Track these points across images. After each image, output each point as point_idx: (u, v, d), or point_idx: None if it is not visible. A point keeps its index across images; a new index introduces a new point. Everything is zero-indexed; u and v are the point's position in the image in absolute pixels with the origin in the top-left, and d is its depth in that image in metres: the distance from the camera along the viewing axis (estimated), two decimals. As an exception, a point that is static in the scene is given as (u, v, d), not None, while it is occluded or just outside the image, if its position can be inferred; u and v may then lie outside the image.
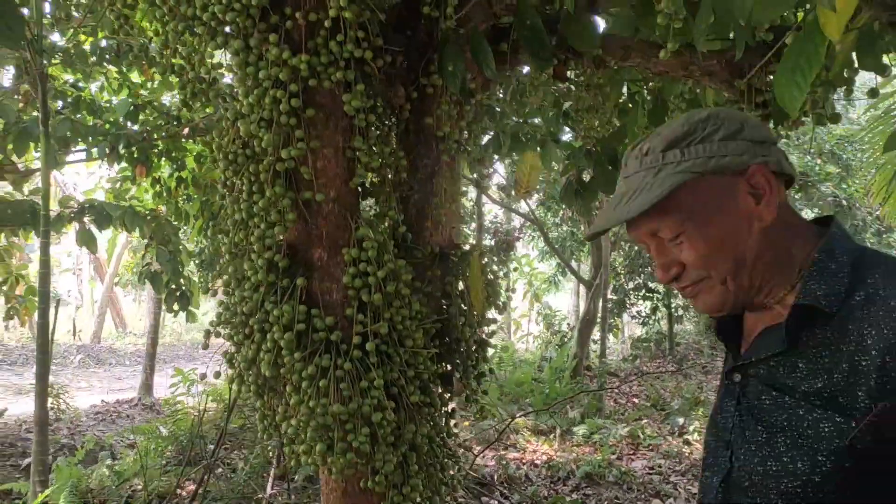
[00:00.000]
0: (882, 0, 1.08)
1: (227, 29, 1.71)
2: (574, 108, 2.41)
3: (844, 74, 1.90)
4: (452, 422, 2.21)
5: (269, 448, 5.00)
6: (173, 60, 1.82)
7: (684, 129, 1.08)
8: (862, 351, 0.94)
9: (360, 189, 1.91)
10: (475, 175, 2.44)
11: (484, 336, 2.16)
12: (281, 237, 1.77)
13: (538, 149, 3.93)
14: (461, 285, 2.04)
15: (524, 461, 6.39)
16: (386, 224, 1.94)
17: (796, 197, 11.90)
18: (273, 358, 1.77)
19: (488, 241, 11.91)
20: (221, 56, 1.78)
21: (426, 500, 1.95)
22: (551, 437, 7.27)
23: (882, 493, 0.94)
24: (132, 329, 18.98)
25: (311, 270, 1.85)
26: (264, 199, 1.74)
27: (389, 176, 1.93)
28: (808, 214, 13.00)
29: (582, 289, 12.44)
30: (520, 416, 7.12)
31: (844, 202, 10.94)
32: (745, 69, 2.13)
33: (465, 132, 2.03)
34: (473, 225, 11.13)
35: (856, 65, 1.90)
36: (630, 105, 2.92)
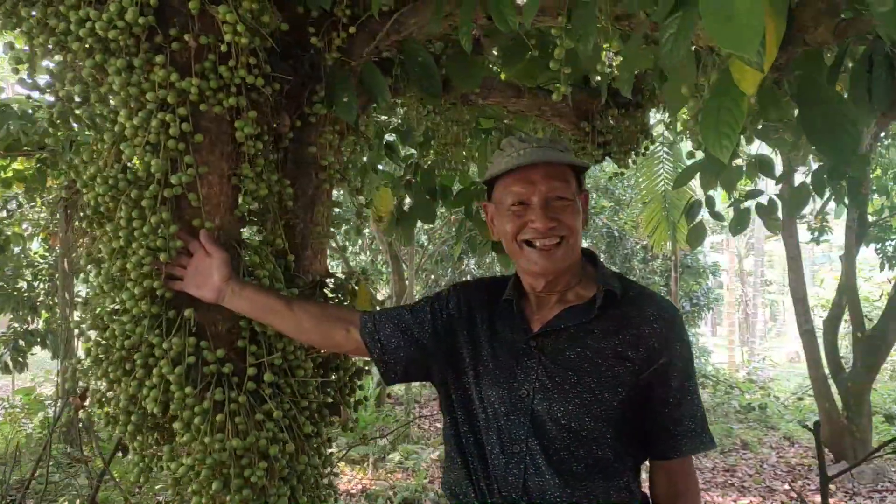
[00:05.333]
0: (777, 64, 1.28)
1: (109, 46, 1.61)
2: (441, 142, 2.53)
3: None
4: (329, 451, 2.19)
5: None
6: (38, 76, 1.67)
7: (564, 143, 1.57)
8: (645, 323, 1.49)
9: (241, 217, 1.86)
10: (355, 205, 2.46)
11: (361, 364, 2.18)
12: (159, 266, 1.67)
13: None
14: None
15: (340, 492, 6.31)
16: (272, 252, 1.91)
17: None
18: (159, 394, 1.66)
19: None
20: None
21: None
22: (364, 465, 7.25)
23: (644, 410, 1.50)
24: None
25: (195, 301, 1.77)
26: (148, 226, 1.65)
27: (275, 204, 1.90)
28: (585, 243, 14.19)
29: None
30: (352, 449, 6.96)
31: (616, 233, 12.08)
32: (590, 112, 2.37)
33: (344, 161, 2.06)
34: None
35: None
36: (469, 139, 3.09)
